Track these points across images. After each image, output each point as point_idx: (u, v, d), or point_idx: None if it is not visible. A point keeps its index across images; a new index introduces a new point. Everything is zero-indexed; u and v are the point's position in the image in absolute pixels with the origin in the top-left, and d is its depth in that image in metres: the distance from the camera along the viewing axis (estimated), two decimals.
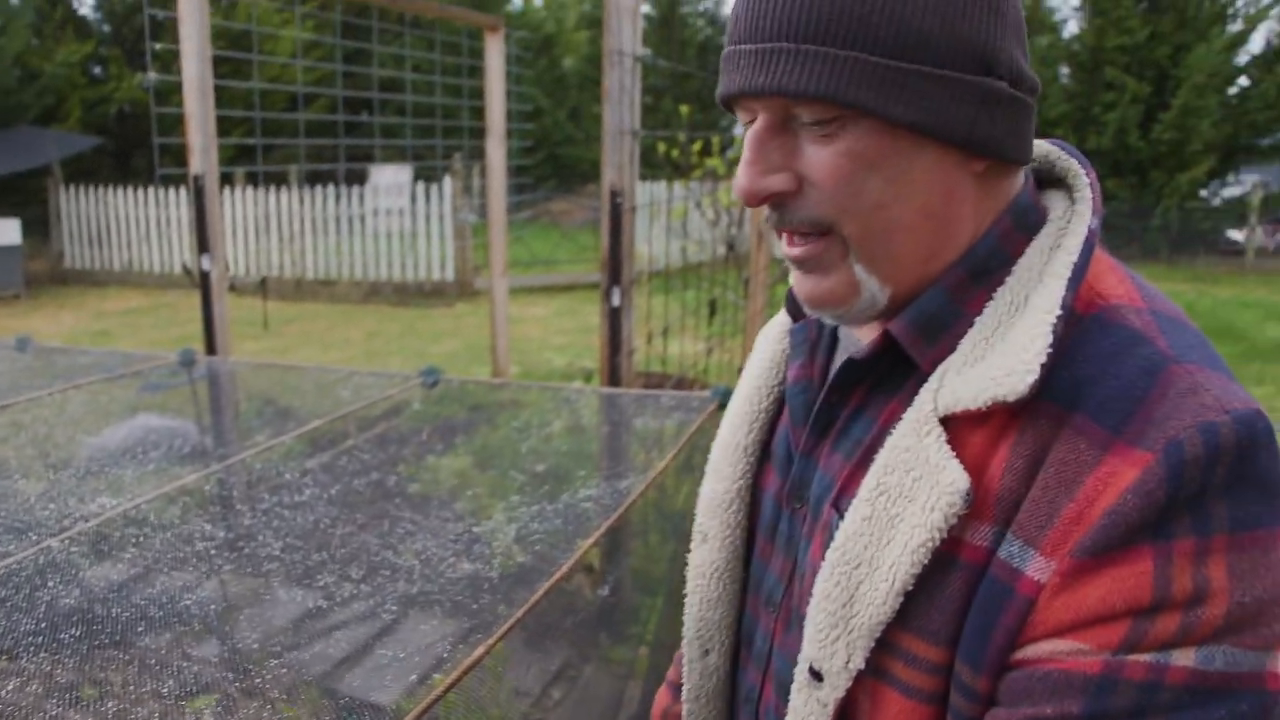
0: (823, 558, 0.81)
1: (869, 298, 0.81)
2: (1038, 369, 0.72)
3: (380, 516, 2.11)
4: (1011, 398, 0.72)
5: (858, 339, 0.91)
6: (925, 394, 0.78)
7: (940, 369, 0.79)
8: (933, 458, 0.75)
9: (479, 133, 6.47)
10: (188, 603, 1.73)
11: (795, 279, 0.85)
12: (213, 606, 1.76)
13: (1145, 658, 0.66)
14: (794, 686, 0.84)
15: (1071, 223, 0.82)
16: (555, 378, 7.69)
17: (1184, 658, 0.66)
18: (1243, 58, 17.56)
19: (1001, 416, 0.75)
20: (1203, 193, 17.86)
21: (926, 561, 0.73)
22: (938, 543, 0.73)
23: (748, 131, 0.79)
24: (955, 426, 0.76)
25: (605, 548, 2.29)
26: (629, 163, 2.93)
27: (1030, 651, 0.70)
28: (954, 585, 0.74)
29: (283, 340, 9.71)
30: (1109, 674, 0.67)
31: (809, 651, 0.81)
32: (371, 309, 12.08)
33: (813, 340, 0.95)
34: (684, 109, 7.28)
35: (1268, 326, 10.75)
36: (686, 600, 1.04)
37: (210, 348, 4.54)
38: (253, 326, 9.11)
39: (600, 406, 2.92)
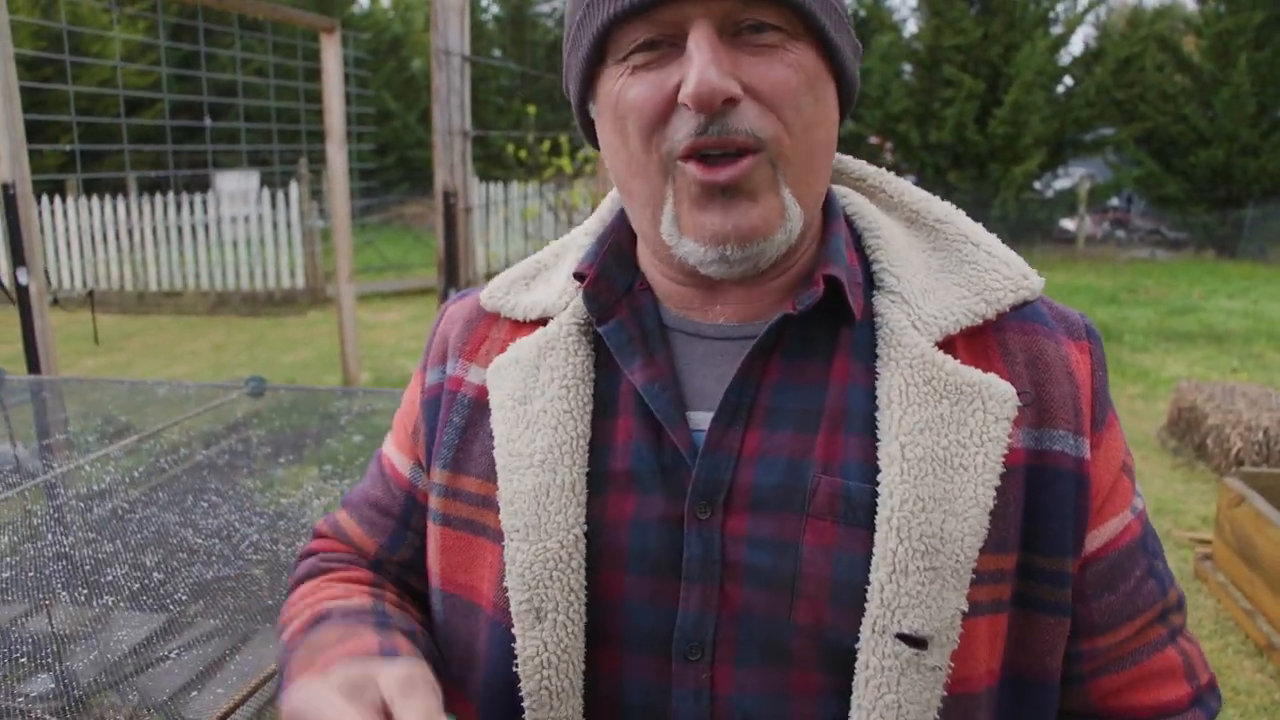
0: (841, 536, 0.76)
1: (786, 230, 0.78)
2: (1037, 274, 0.84)
3: (209, 536, 2.04)
4: (1034, 296, 0.82)
5: (713, 321, 0.85)
6: (903, 331, 0.80)
7: (890, 310, 0.81)
8: (970, 378, 0.78)
9: (322, 136, 6.31)
10: None
11: (710, 217, 0.77)
12: (25, 633, 1.66)
13: (1139, 501, 0.87)
14: (877, 681, 0.74)
15: (889, 187, 0.92)
16: (408, 383, 7.57)
17: (1139, 489, 0.88)
18: (1065, 59, 18.58)
19: (967, 336, 0.81)
20: (1037, 184, 18.82)
21: (1003, 471, 0.76)
22: (1007, 452, 0.77)
23: (692, 37, 0.73)
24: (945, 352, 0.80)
25: None
26: (461, 163, 2.90)
27: (1105, 535, 0.83)
28: (1011, 491, 0.77)
29: (124, 355, 9.28)
30: (1141, 528, 0.86)
31: (903, 624, 0.73)
32: (220, 320, 11.65)
33: (639, 337, 0.85)
34: (531, 109, 7.27)
35: (1096, 310, 11.39)
36: (526, 703, 0.81)
37: (33, 366, 4.30)
38: (88, 342, 8.67)
39: None
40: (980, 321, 0.80)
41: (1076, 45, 35.00)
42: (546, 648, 0.80)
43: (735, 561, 0.77)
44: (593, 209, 6.60)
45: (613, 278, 0.88)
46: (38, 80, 11.93)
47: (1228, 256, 16.94)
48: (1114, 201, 20.86)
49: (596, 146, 0.87)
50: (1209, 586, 4.25)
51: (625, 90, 0.76)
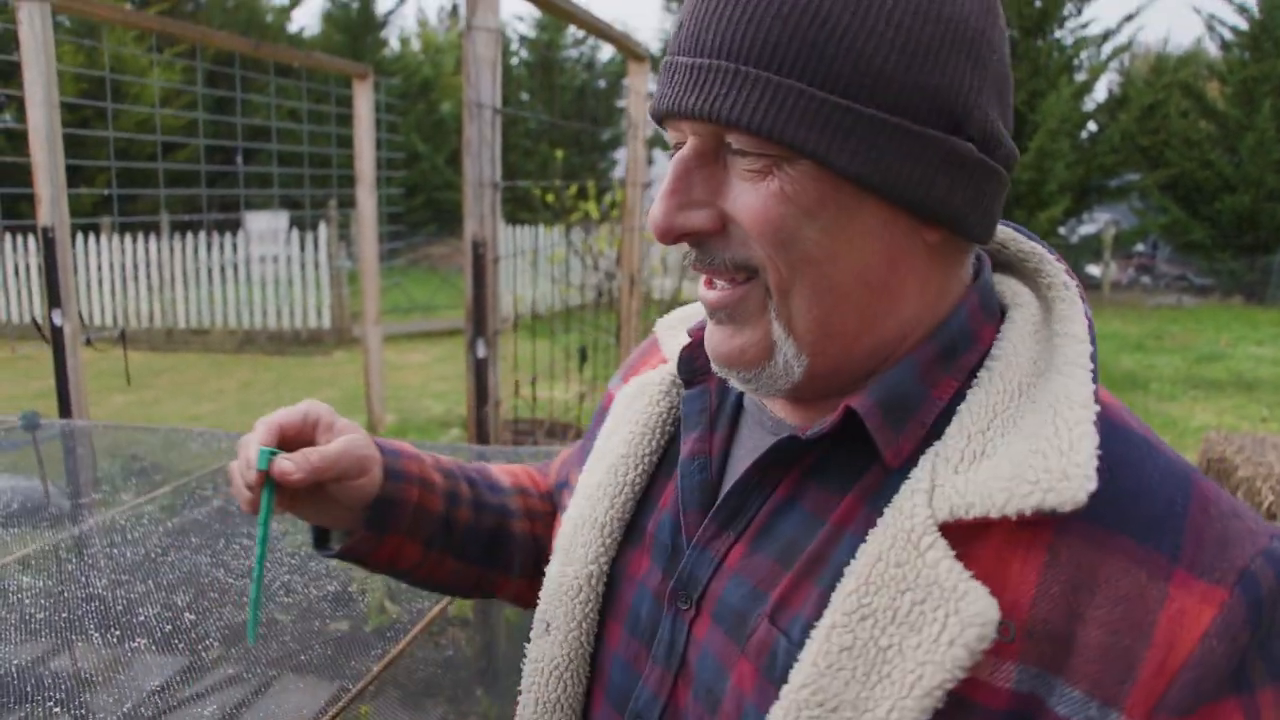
0: (756, 689, 0.68)
1: (783, 364, 0.70)
2: (1095, 475, 0.61)
3: (240, 576, 2.05)
4: (1067, 507, 0.60)
5: (771, 413, 0.79)
6: (911, 494, 0.65)
7: (925, 463, 0.66)
8: (944, 579, 0.61)
9: (351, 180, 6.40)
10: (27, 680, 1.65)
11: (708, 331, 0.74)
12: (54, 681, 1.68)
13: None
14: None
15: (1058, 308, 0.73)
16: (433, 425, 7.60)
17: None
18: (1090, 105, 18.61)
19: (1009, 527, 0.63)
20: (1062, 230, 18.77)
21: (941, 707, 0.60)
22: (957, 684, 0.60)
23: (674, 155, 0.69)
24: (955, 536, 0.63)
25: (478, 600, 2.25)
26: (490, 214, 2.94)
27: None
28: None
29: (152, 392, 9.36)
30: None
31: None
32: (246, 358, 11.74)
33: (712, 410, 0.82)
34: (559, 154, 7.34)
35: (1122, 357, 11.30)
36: (521, 700, 0.87)
37: (64, 407, 4.35)
38: (118, 378, 8.76)
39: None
40: (995, 517, 0.62)
41: (1101, 92, 35.09)
42: (545, 657, 0.85)
43: (690, 663, 0.75)
44: (618, 253, 6.64)
45: None
46: (77, 120, 12.17)
47: (1256, 303, 16.80)
48: (1140, 247, 20.79)
49: None
50: None
51: None
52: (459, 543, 0.99)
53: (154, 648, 1.77)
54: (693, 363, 0.84)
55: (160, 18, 4.71)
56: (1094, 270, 18.86)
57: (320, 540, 0.97)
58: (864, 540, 0.66)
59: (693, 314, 0.96)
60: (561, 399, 6.00)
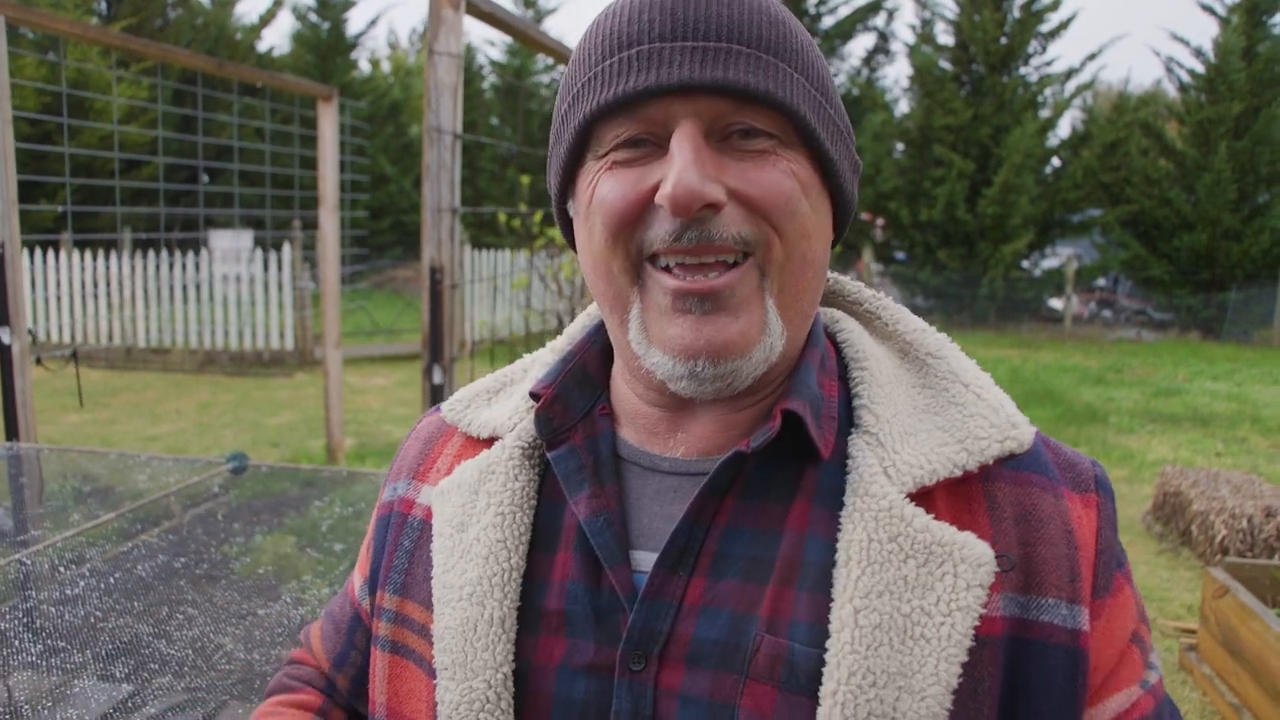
0: (780, 705, 0.68)
1: (766, 348, 0.73)
2: (1029, 423, 0.76)
3: (168, 621, 2.00)
4: (1024, 447, 0.74)
5: (667, 454, 0.80)
6: (869, 479, 0.72)
7: (861, 452, 0.74)
8: (941, 537, 0.69)
9: (316, 201, 6.35)
10: None
11: (681, 330, 0.72)
12: None
13: (1154, 675, 0.76)
14: None
15: (885, 314, 0.86)
16: (392, 450, 7.52)
17: (1156, 660, 0.77)
18: (1053, 141, 18.91)
19: (949, 487, 0.73)
20: (1024, 264, 19.00)
21: (973, 644, 0.67)
22: (979, 622, 0.68)
23: (675, 136, 0.69)
24: (918, 504, 0.72)
25: None
26: (449, 239, 2.91)
27: (1105, 715, 0.72)
28: (985, 666, 0.68)
29: (109, 412, 9.21)
30: (1155, 703, 0.75)
31: None
32: (206, 379, 11.59)
33: (591, 465, 0.80)
34: (524, 179, 7.34)
35: (1083, 390, 11.42)
36: None
37: (11, 427, 4.25)
38: (72, 397, 8.62)
39: None
40: (960, 473, 0.72)
41: (1064, 128, 35.70)
42: None
43: (664, 718, 0.71)
44: (582, 279, 6.64)
45: (571, 400, 0.83)
46: (39, 135, 12.02)
47: (1212, 339, 17.07)
48: (1101, 281, 21.07)
49: (575, 247, 0.83)
50: (1194, 678, 4.20)
51: (599, 186, 0.73)
52: None
53: (94, 672, 1.71)
54: (551, 422, 0.81)
55: (122, 34, 4.65)
56: (1056, 303, 19.08)
57: None
58: (830, 535, 0.72)
59: (483, 389, 0.93)
60: None
